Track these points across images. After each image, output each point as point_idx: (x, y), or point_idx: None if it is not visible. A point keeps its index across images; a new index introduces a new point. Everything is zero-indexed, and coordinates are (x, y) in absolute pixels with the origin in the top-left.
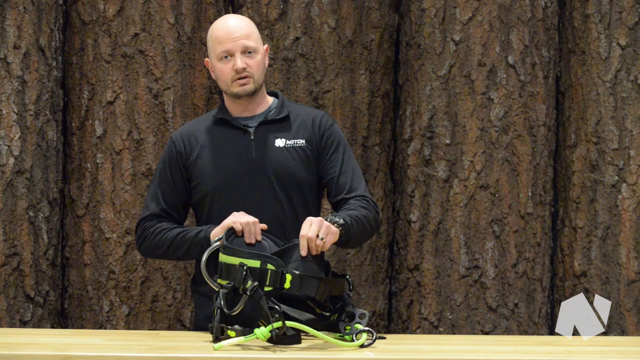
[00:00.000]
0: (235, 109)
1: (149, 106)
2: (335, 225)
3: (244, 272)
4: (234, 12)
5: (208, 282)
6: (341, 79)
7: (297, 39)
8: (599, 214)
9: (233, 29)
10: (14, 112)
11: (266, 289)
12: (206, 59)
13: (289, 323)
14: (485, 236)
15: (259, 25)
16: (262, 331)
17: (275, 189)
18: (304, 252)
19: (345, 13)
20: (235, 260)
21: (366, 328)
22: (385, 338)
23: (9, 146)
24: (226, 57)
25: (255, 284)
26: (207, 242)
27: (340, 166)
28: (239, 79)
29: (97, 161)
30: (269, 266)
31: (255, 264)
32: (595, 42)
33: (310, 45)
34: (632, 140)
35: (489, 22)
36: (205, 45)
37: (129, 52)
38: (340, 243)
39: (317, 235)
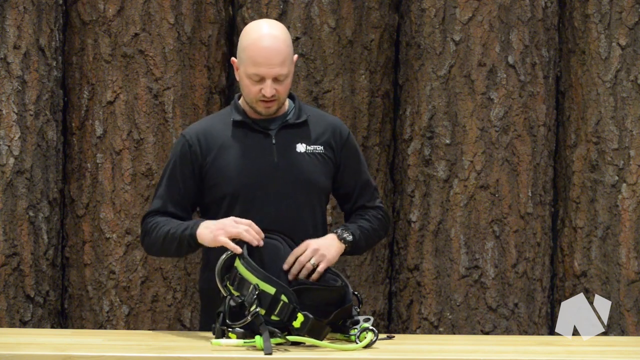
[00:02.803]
0: (252, 111)
1: (149, 106)
2: (343, 241)
3: (255, 297)
4: (234, 12)
5: (219, 287)
6: (341, 79)
7: (297, 39)
8: (599, 214)
9: (270, 54)
10: (14, 112)
11: (273, 317)
12: (233, 58)
13: (291, 338)
14: (485, 236)
15: None
16: (261, 340)
17: (297, 193)
18: (286, 267)
19: (345, 13)
20: (251, 278)
21: (370, 327)
22: (394, 337)
23: (9, 146)
24: (257, 77)
25: (258, 310)
26: (193, 240)
27: (359, 178)
28: (265, 101)
29: (97, 161)
30: (283, 297)
31: (270, 289)
32: (595, 42)
33: (310, 45)
34: (632, 140)
35: (489, 22)
36: (206, 45)
37: (129, 52)
38: (345, 254)
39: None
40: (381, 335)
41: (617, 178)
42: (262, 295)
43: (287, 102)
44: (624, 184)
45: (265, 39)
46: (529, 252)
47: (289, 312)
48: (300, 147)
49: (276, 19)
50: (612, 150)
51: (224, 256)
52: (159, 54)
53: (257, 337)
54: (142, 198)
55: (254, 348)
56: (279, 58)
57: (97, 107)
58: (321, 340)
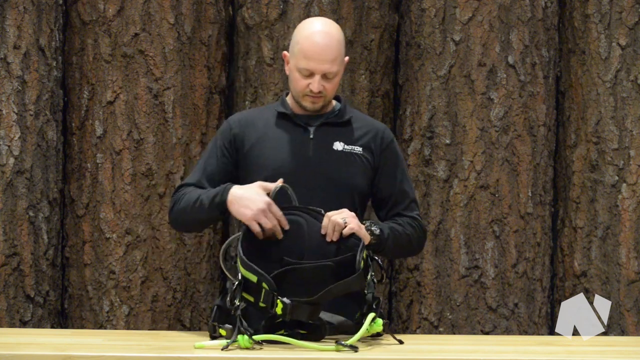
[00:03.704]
0: (297, 107)
1: (149, 106)
2: (370, 233)
3: (234, 288)
4: (234, 12)
5: (224, 269)
6: (341, 79)
7: None
8: (599, 214)
9: (322, 50)
10: (14, 112)
11: (261, 304)
12: (285, 52)
13: (269, 336)
14: (485, 236)
15: (259, 25)
16: (244, 339)
17: (327, 190)
18: (323, 231)
19: (345, 13)
20: (239, 267)
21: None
22: (403, 343)
23: (9, 146)
24: (306, 72)
25: (240, 304)
26: (223, 207)
27: (396, 185)
28: (311, 97)
29: (97, 161)
30: (264, 285)
31: (253, 278)
32: (595, 42)
33: None
34: (632, 140)
35: (489, 22)
36: (206, 45)
37: (129, 52)
38: (371, 250)
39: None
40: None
41: (617, 178)
42: (247, 283)
43: (334, 102)
44: (624, 184)
45: (318, 35)
46: (529, 252)
47: (270, 299)
48: (338, 145)
49: (276, 19)
50: (612, 150)
51: (228, 240)
52: (159, 54)
53: (240, 337)
54: (142, 198)
55: (257, 347)
56: (330, 55)
57: (97, 107)
58: (313, 320)
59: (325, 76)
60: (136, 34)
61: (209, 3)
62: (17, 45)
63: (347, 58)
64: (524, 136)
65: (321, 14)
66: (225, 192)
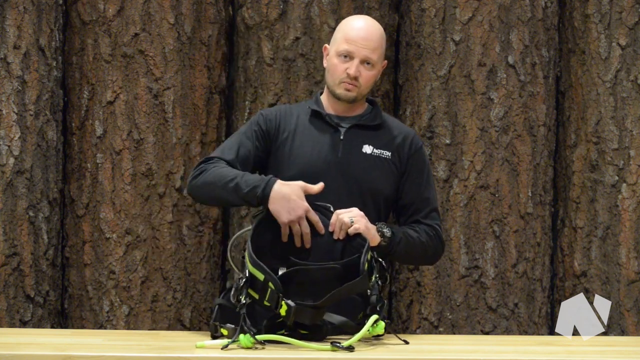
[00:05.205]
0: (330, 106)
1: (149, 106)
2: (380, 234)
3: (241, 284)
4: (234, 12)
5: (229, 261)
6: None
7: (297, 39)
8: (599, 214)
9: (365, 35)
10: (14, 112)
11: (265, 303)
12: (326, 45)
13: (270, 336)
14: (485, 236)
15: (259, 25)
16: (246, 339)
17: (352, 192)
18: (331, 229)
19: (345, 13)
20: (247, 263)
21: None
22: (408, 343)
23: (9, 146)
24: (346, 56)
25: (246, 301)
26: (263, 201)
27: (419, 193)
28: (347, 83)
29: (97, 161)
30: (270, 284)
31: (260, 276)
32: (595, 42)
33: (310, 45)
34: (632, 140)
35: (489, 22)
36: (206, 45)
37: (129, 52)
38: (381, 253)
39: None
40: (394, 339)
41: (617, 178)
42: (254, 280)
43: (366, 106)
44: (624, 184)
45: (362, 24)
46: (529, 252)
47: (275, 299)
48: (367, 149)
49: (276, 19)
50: (612, 150)
51: (238, 234)
52: (159, 54)
53: (242, 336)
54: (142, 198)
55: (259, 347)
56: (371, 43)
57: (97, 107)
58: (311, 322)
59: (364, 62)
60: (136, 34)
61: (209, 3)
62: (17, 45)
63: (385, 62)
64: (524, 136)
65: (321, 14)
66: (269, 186)
